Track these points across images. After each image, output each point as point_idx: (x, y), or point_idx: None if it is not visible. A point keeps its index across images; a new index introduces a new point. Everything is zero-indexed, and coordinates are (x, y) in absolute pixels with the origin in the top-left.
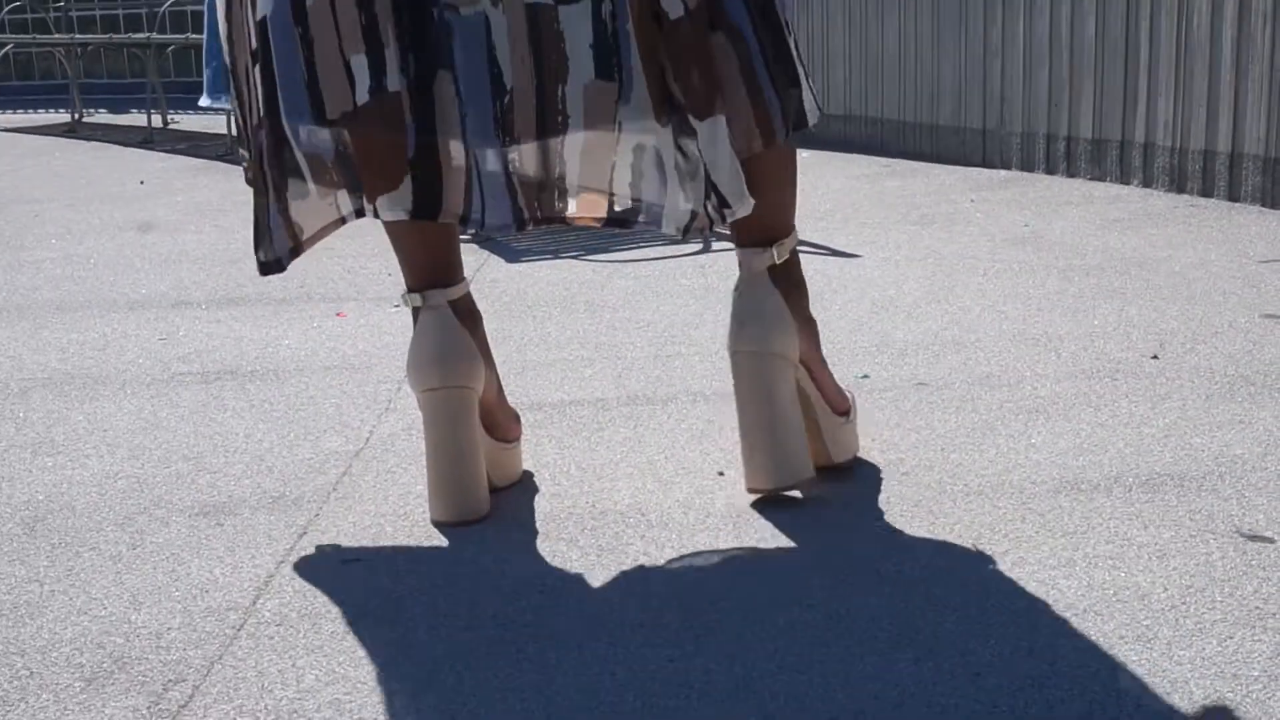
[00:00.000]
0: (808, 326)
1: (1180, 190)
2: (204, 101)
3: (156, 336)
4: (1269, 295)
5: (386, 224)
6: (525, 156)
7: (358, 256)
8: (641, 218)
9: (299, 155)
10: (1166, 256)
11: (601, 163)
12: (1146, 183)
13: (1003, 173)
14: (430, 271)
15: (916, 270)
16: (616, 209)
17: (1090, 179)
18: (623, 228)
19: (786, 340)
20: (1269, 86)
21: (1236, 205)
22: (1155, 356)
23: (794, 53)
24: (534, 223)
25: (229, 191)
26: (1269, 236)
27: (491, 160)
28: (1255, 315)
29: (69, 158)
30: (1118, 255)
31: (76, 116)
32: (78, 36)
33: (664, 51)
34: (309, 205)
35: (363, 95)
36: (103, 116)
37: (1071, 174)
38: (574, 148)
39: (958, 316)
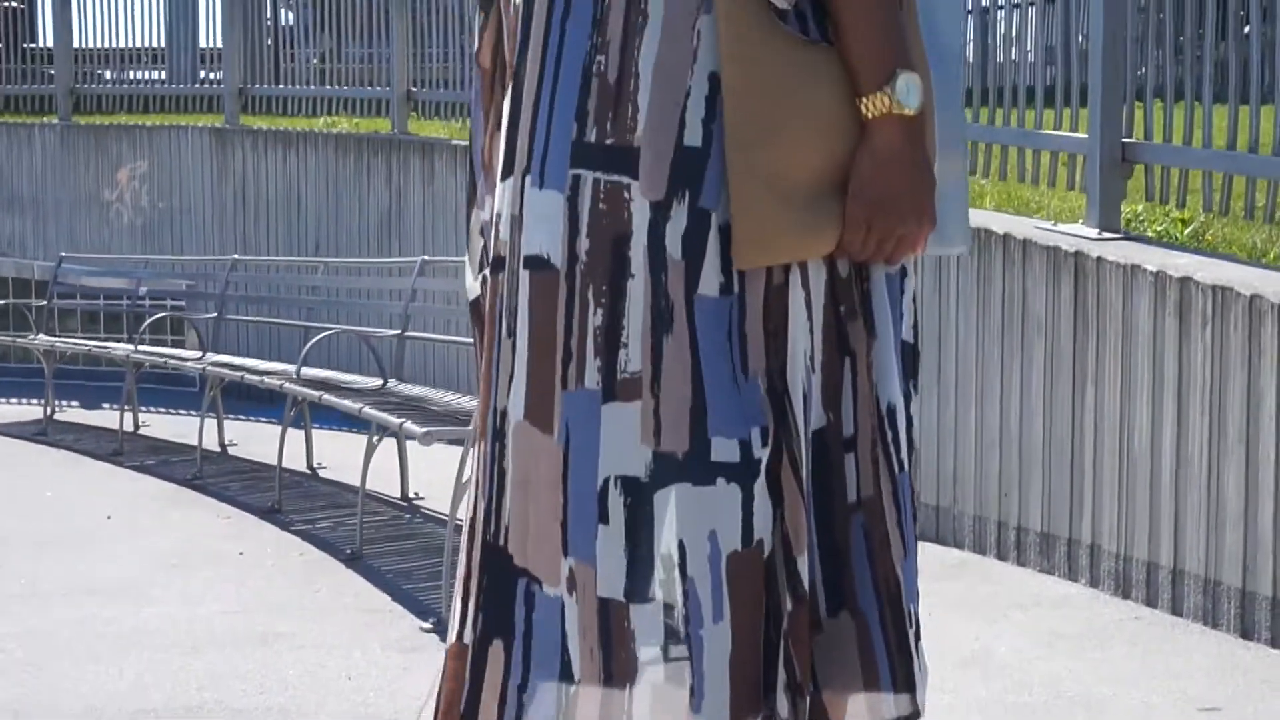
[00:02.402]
0: None
1: (1125, 595)
2: None
3: None
4: None
5: None
6: None
7: (317, 649)
8: None
9: None
10: (1112, 695)
11: None
12: (1093, 583)
13: (955, 553)
14: None
15: None
16: None
17: (1040, 570)
18: None
19: None
20: (1207, 510)
21: (1179, 622)
22: None
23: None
24: None
25: (190, 536)
26: (1210, 670)
27: None
28: None
29: (38, 475)
30: (1065, 693)
31: (49, 413)
32: (58, 343)
33: None
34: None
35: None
36: (75, 413)
37: (1021, 563)
38: None
39: None
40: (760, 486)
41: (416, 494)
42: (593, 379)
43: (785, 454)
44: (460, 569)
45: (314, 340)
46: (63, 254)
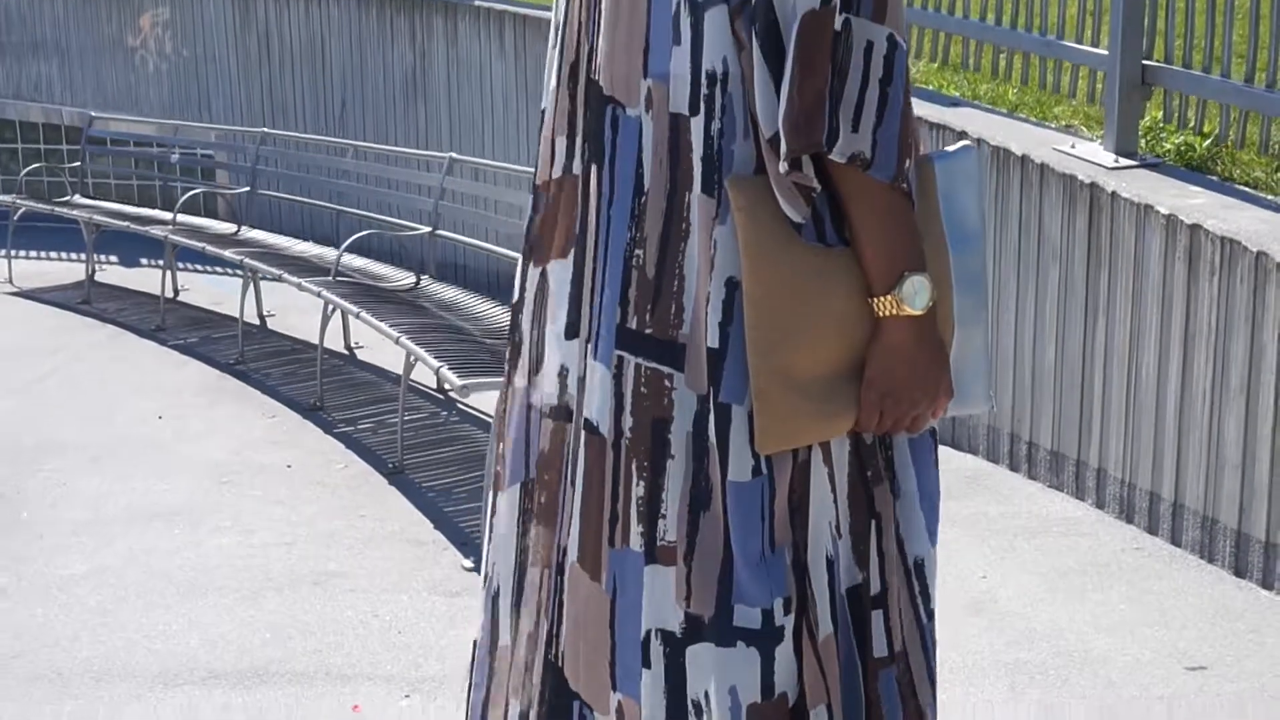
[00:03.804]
0: None
1: (1129, 520)
2: None
3: None
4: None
5: None
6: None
7: (367, 593)
8: None
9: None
10: (1107, 649)
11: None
12: (1099, 504)
13: (969, 462)
14: None
15: None
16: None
17: (1049, 486)
18: None
19: None
20: (1207, 451)
21: (1177, 554)
22: None
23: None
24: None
25: (238, 445)
26: (1203, 615)
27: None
28: None
29: (83, 361)
30: (1064, 648)
31: (90, 272)
32: (95, 216)
33: None
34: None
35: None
36: (114, 271)
37: (1032, 477)
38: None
39: None
40: (784, 649)
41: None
42: (637, 542)
43: (806, 620)
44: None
45: (348, 241)
46: (92, 114)
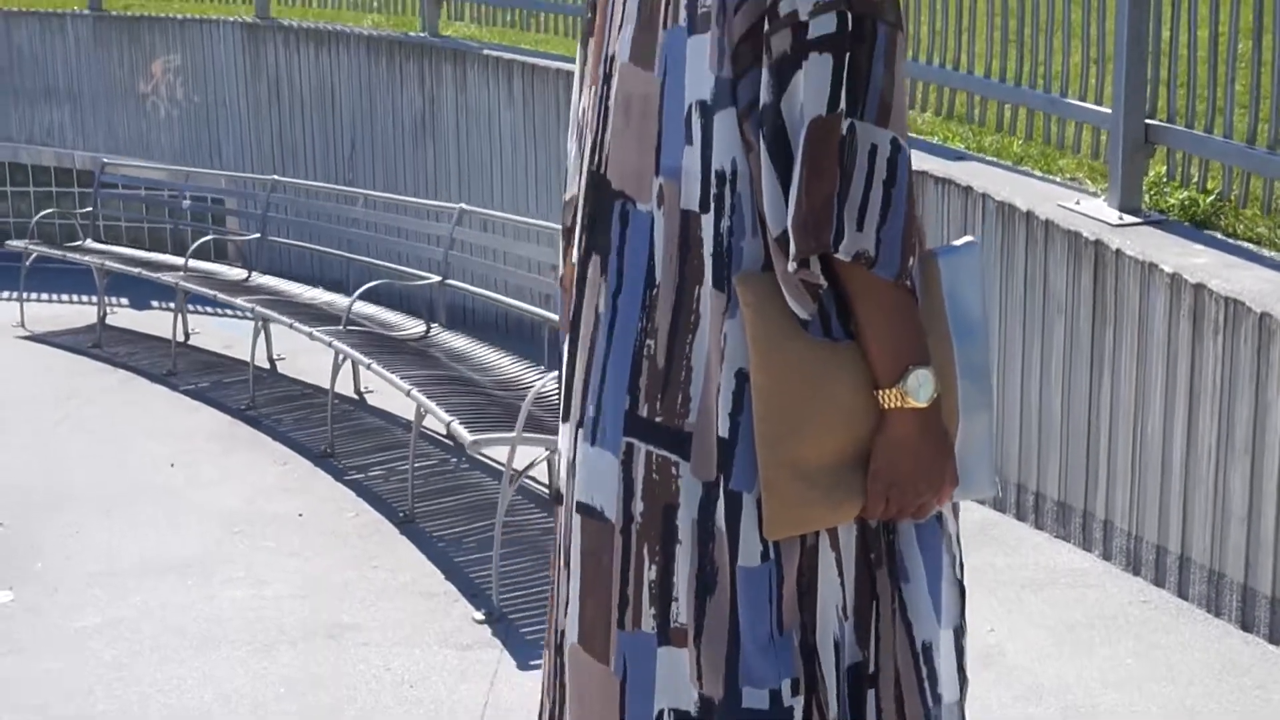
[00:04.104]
0: None
1: (1136, 572)
2: None
3: None
4: None
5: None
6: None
7: (380, 647)
8: None
9: None
10: (1114, 705)
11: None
12: (1106, 556)
13: (978, 512)
14: None
15: None
16: None
17: (1056, 537)
18: None
19: None
20: (1213, 506)
21: (1184, 607)
22: None
23: None
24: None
25: (250, 494)
26: (1209, 670)
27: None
28: None
29: (95, 406)
30: (1072, 703)
31: (101, 316)
32: (109, 264)
33: None
34: None
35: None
36: (125, 314)
37: (1039, 527)
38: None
39: None
40: None
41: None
42: (649, 624)
43: (815, 699)
44: None
45: (359, 292)
46: (104, 160)
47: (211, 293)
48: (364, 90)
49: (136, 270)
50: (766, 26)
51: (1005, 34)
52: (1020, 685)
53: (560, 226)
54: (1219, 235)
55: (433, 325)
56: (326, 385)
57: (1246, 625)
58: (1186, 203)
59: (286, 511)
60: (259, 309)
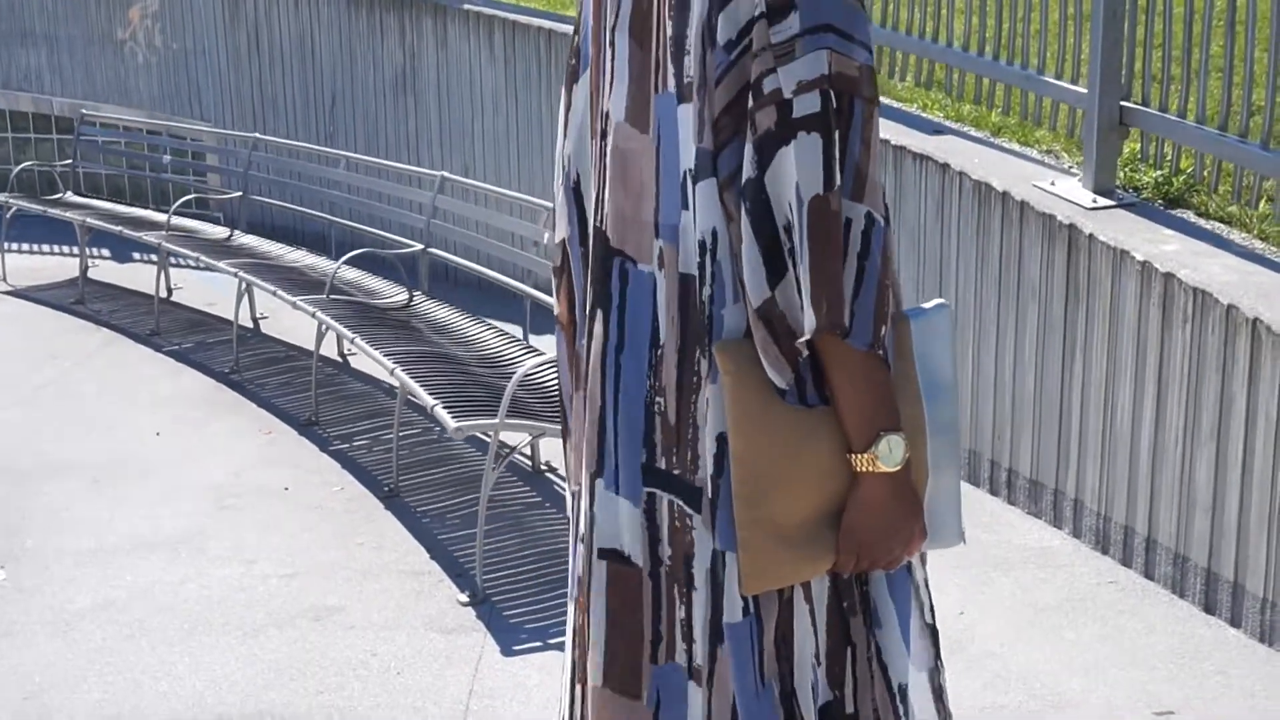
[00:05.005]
0: None
1: (1104, 551)
2: None
3: None
4: None
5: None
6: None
7: (365, 630)
8: None
9: None
10: (1079, 692)
11: None
12: (1076, 534)
13: None
14: None
15: None
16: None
17: (1028, 513)
18: None
19: None
20: (1179, 492)
21: (1150, 588)
22: None
23: None
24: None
25: (237, 465)
26: (1173, 655)
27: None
28: None
29: (81, 369)
30: (1038, 691)
31: (83, 268)
32: (90, 220)
33: None
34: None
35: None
36: (108, 268)
37: (1011, 502)
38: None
39: None
40: None
41: None
42: (682, 658)
43: None
44: None
45: (341, 261)
46: (84, 110)
47: (195, 255)
48: (344, 41)
49: (118, 229)
50: (750, 102)
51: (984, 14)
52: (988, 672)
53: (551, 265)
54: (1191, 216)
55: (415, 294)
56: (310, 347)
57: (1209, 608)
58: (1160, 181)
59: (273, 484)
60: (242, 274)
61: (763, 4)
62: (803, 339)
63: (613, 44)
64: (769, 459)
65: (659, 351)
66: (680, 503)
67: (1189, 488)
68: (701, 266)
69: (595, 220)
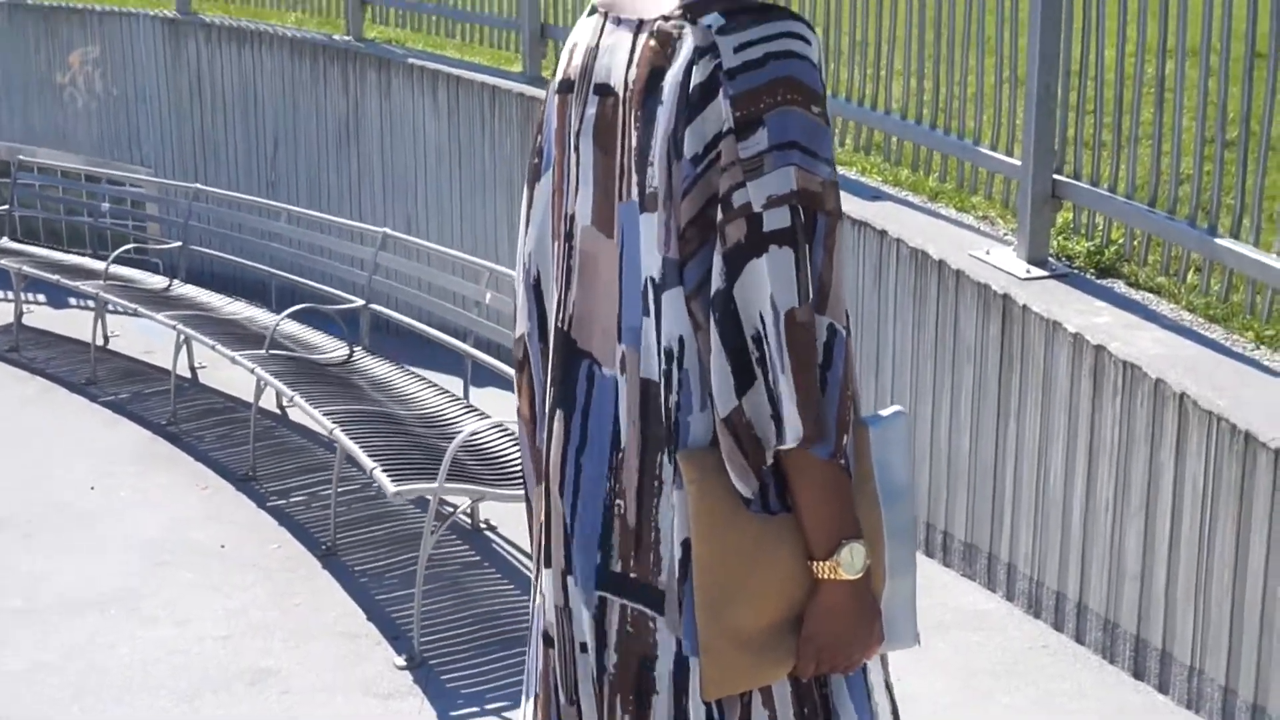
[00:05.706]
0: None
1: (1037, 615)
2: None
3: None
4: None
5: None
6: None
7: (301, 694)
8: None
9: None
10: None
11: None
12: (1009, 597)
13: None
14: None
15: None
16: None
17: (963, 576)
18: None
19: None
20: (1109, 559)
21: (1081, 653)
22: None
23: None
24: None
25: (172, 521)
26: (1105, 716)
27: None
28: None
29: (15, 419)
30: None
31: (18, 314)
32: (25, 268)
33: None
34: None
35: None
36: (43, 314)
37: (947, 564)
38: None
39: None
40: None
41: None
42: None
43: None
44: None
45: (282, 316)
46: (20, 155)
47: (133, 306)
48: (287, 92)
49: (55, 277)
50: (719, 215)
51: (921, 77)
52: None
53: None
54: (1121, 286)
55: (356, 349)
56: (248, 399)
57: (1138, 674)
58: (1092, 250)
59: (209, 542)
60: (181, 326)
61: (731, 120)
62: (778, 448)
63: (577, 149)
64: (733, 567)
65: (620, 455)
66: (638, 607)
67: (1119, 556)
68: (668, 374)
69: (557, 320)
